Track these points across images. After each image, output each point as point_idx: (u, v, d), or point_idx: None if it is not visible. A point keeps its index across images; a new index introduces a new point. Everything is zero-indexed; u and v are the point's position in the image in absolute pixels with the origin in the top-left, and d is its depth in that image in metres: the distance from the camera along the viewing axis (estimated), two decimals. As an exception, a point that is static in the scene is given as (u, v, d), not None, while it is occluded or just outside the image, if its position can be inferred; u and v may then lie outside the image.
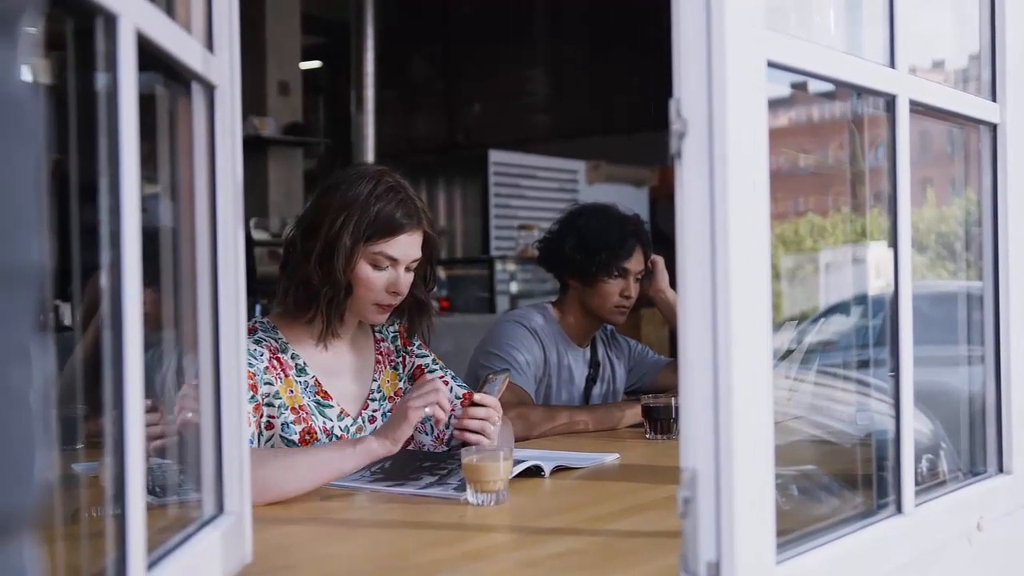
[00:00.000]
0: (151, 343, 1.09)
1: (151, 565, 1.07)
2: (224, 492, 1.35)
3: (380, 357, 2.34)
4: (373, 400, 2.29)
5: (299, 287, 2.16)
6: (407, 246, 2.18)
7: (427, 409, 1.95)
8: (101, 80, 1.00)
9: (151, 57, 1.10)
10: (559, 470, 2.14)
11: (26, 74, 0.58)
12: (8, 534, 0.55)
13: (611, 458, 2.32)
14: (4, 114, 0.55)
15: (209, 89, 1.32)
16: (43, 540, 0.67)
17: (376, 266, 2.16)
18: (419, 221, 2.19)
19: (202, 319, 1.34)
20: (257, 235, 6.90)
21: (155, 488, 1.29)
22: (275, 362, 2.14)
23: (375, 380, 2.31)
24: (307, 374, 2.19)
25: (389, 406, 2.30)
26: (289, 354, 2.18)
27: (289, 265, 2.19)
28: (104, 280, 1.00)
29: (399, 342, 2.39)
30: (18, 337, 0.56)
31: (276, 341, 2.18)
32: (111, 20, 0.98)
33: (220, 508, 1.35)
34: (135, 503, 1.00)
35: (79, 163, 1.03)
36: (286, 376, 2.15)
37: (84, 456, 1.34)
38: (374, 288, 2.17)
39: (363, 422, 2.25)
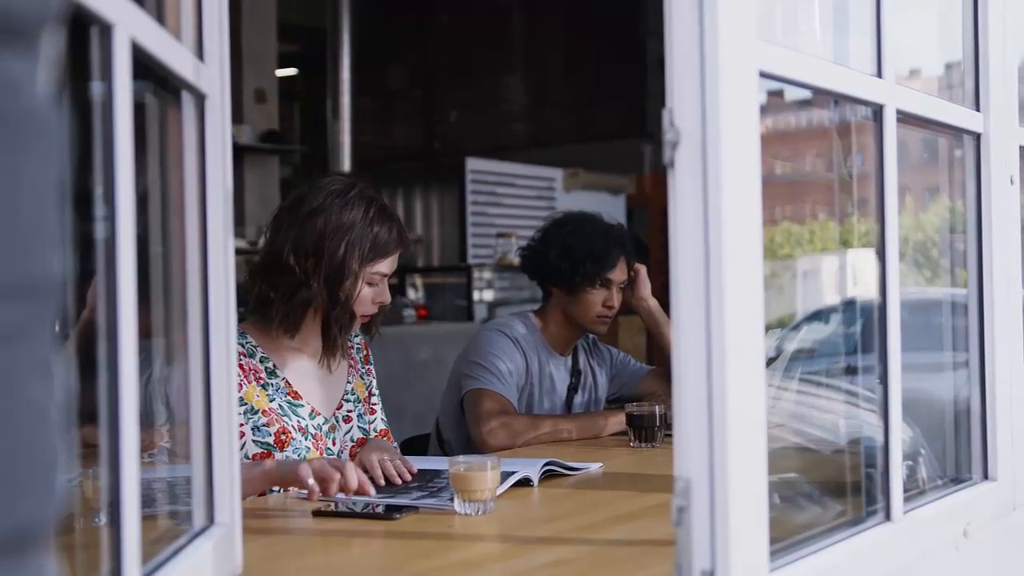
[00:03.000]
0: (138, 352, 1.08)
1: (145, 578, 1.06)
2: (215, 503, 1.34)
3: (352, 362, 2.43)
4: (348, 401, 2.38)
5: (300, 308, 2.22)
6: (396, 261, 2.30)
7: (311, 481, 1.87)
8: (95, 88, 1.00)
9: (142, 66, 1.09)
10: (548, 476, 2.14)
11: (47, 86, 0.58)
12: (32, 547, 0.55)
13: (595, 467, 2.32)
14: (27, 127, 0.55)
15: (200, 98, 1.32)
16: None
17: (370, 284, 2.26)
18: (407, 238, 2.33)
19: (192, 329, 1.34)
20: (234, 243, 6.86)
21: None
22: (238, 368, 2.15)
23: (349, 382, 2.39)
24: (278, 376, 2.25)
25: (362, 408, 2.40)
26: (258, 358, 2.24)
27: (283, 287, 2.21)
28: (100, 289, 0.99)
29: (362, 355, 2.47)
30: (39, 350, 0.55)
31: (243, 346, 2.22)
32: (106, 29, 0.98)
33: (211, 519, 1.34)
34: (130, 515, 0.99)
35: (72, 171, 1.02)
36: (250, 383, 2.20)
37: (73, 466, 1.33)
38: (365, 303, 2.27)
39: (337, 421, 2.33)
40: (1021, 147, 1.89)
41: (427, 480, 2.11)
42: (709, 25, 1.14)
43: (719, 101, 1.14)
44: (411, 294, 7.42)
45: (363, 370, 2.45)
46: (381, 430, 2.43)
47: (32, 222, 0.55)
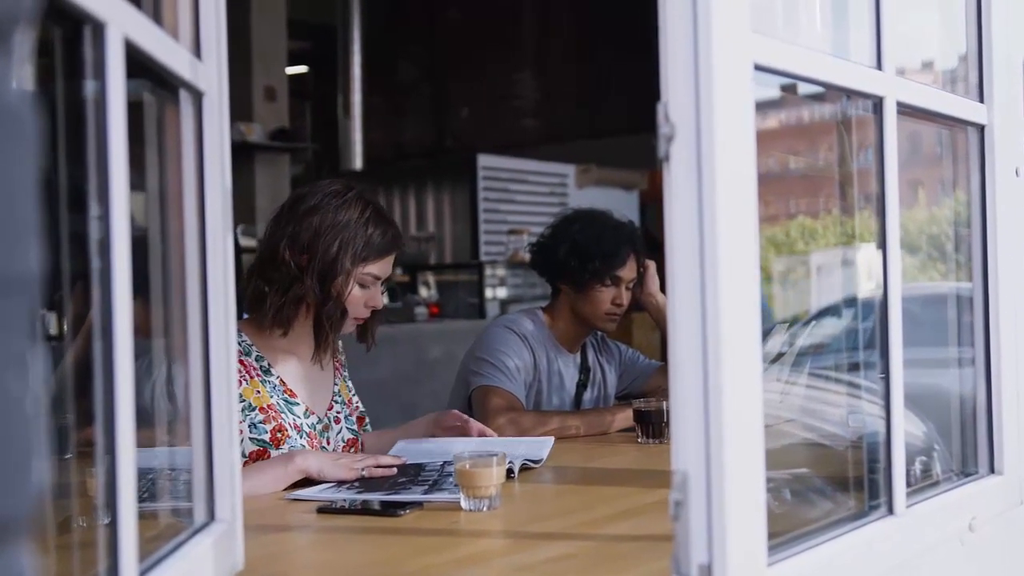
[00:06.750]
0: (140, 353, 1.09)
1: (143, 573, 1.07)
2: (215, 500, 1.35)
3: (338, 365, 2.47)
4: (337, 402, 2.42)
5: (293, 304, 2.25)
6: (390, 265, 2.34)
7: (364, 472, 2.11)
8: (89, 87, 1.00)
9: (138, 64, 1.10)
10: (523, 469, 2.17)
11: (22, 83, 0.58)
12: (6, 541, 0.55)
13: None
14: (2, 124, 0.55)
15: (197, 96, 1.32)
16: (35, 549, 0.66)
17: (362, 285, 2.29)
18: (401, 242, 2.36)
19: (192, 328, 1.34)
20: (244, 242, 6.86)
21: (143, 495, 1.29)
22: (238, 365, 2.17)
23: (336, 384, 2.44)
24: (273, 375, 2.28)
25: (348, 410, 2.44)
26: (253, 356, 2.28)
27: (277, 282, 2.25)
28: (94, 289, 0.99)
29: (342, 359, 2.51)
30: (15, 344, 0.56)
31: (240, 345, 2.25)
32: (99, 28, 0.98)
33: (211, 515, 1.35)
34: (127, 512, 1.00)
35: (66, 170, 1.02)
36: (251, 378, 2.24)
37: (75, 466, 1.33)
38: (356, 305, 2.30)
39: (329, 421, 2.37)
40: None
41: (415, 475, 2.11)
42: (702, 18, 1.14)
43: (713, 95, 1.14)
44: (423, 292, 7.42)
45: (345, 375, 2.50)
46: (349, 439, 2.43)
47: (8, 218, 0.56)
